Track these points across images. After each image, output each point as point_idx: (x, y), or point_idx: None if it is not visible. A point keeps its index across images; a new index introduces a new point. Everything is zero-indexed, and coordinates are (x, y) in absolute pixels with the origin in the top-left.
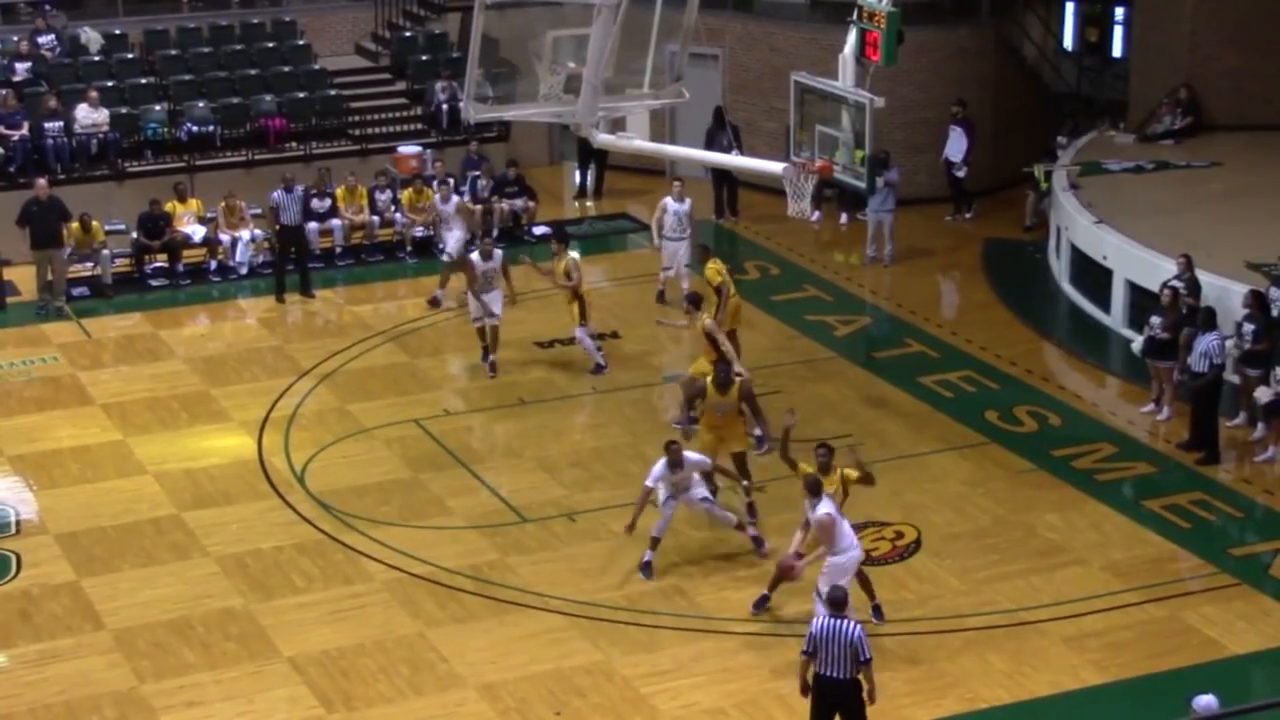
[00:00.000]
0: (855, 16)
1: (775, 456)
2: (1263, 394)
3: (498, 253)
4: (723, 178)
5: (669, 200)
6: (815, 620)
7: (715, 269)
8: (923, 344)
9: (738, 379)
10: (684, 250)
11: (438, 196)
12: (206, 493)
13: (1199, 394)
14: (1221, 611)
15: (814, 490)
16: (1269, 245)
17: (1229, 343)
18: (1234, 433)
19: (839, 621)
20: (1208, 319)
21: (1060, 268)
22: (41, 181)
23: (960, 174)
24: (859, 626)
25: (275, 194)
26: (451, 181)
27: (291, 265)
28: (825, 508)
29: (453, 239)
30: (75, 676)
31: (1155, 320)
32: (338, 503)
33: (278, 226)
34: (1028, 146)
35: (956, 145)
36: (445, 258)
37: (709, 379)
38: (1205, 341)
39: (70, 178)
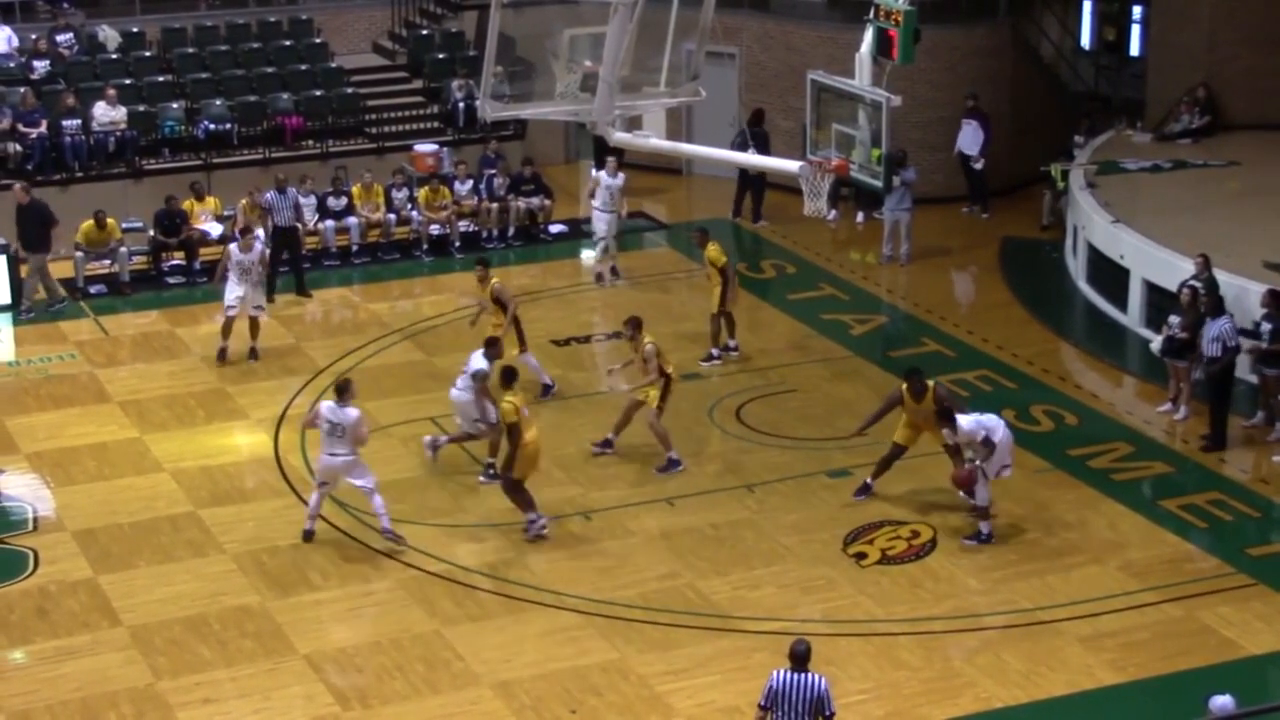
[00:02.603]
0: (872, 15)
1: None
2: None
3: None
4: (749, 180)
5: (603, 174)
6: (775, 674)
7: (718, 251)
8: (939, 343)
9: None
10: (613, 222)
11: (234, 246)
12: (223, 490)
13: (1214, 380)
14: (1238, 611)
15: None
16: None
17: (1245, 343)
18: (1251, 432)
19: (802, 675)
20: (1216, 305)
21: (1077, 267)
22: (17, 186)
23: (978, 166)
24: (824, 680)
25: (269, 195)
26: (261, 233)
27: (286, 267)
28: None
29: (232, 291)
30: (92, 673)
31: (1174, 320)
32: (354, 500)
33: (272, 227)
34: (1045, 145)
35: (972, 138)
36: (230, 312)
37: (904, 388)
38: (1216, 326)
39: (88, 175)
